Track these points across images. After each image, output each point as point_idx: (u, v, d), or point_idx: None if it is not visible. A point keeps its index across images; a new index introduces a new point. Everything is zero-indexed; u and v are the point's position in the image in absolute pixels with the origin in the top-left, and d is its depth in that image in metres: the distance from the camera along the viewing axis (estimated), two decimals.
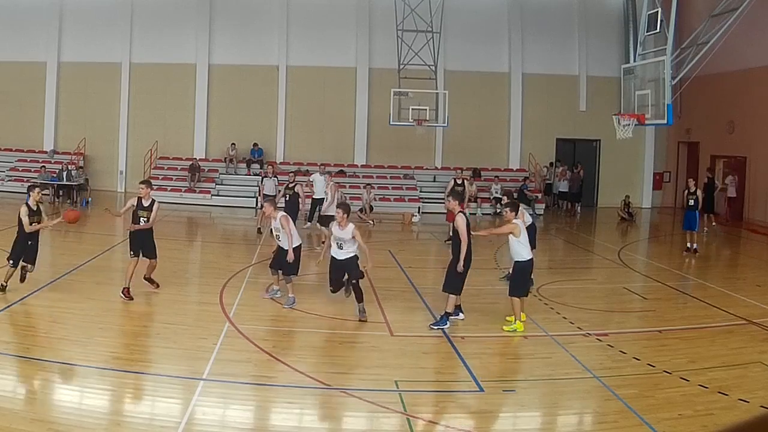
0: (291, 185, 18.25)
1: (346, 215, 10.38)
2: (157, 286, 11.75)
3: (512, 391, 7.89)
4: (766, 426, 1.90)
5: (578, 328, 10.32)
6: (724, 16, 17.26)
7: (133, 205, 11.43)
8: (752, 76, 23.07)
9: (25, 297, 10.77)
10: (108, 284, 12.75)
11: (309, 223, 20.26)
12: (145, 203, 11.42)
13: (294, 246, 10.97)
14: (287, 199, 18.11)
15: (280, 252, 11.17)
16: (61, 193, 24.30)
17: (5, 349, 8.28)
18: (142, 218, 11.36)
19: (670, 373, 8.34)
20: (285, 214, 11.39)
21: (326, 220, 15.92)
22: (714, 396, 7.63)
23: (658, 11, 16.52)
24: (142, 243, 11.39)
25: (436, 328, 10.03)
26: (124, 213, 12.21)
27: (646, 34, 17.26)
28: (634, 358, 8.95)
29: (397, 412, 7.10)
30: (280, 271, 11.28)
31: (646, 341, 9.83)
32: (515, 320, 10.08)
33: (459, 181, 18.06)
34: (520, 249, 10.10)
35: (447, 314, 10.15)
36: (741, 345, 9.71)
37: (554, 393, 8.13)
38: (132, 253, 11.32)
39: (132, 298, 11.04)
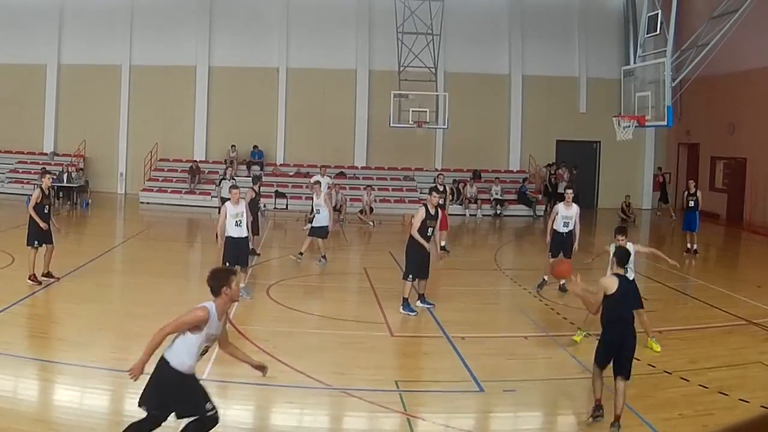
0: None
1: None
2: (57, 279, 11.95)
3: (513, 391, 7.88)
4: (766, 426, 1.91)
5: (578, 328, 10.29)
6: (724, 17, 17.27)
7: (39, 197, 11.74)
8: (752, 77, 23.07)
9: (25, 298, 10.78)
10: (108, 286, 12.79)
11: (309, 225, 20.21)
12: (47, 192, 11.95)
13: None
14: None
15: (239, 244, 11.46)
16: (61, 195, 24.30)
17: (6, 350, 8.27)
18: (46, 206, 11.85)
19: (670, 374, 8.34)
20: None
21: (322, 232, 15.01)
22: (714, 396, 7.64)
23: (658, 13, 16.53)
24: (49, 231, 11.83)
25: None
26: (35, 207, 11.79)
27: (646, 35, 17.27)
28: (635, 358, 8.93)
29: (397, 412, 7.10)
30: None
31: (647, 341, 9.81)
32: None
33: (440, 188, 17.42)
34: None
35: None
36: (741, 345, 9.71)
37: (555, 393, 8.13)
38: (37, 242, 11.69)
39: (41, 283, 11.54)
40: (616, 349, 7.02)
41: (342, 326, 10.25)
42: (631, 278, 8.51)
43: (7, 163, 27.12)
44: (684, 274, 15.90)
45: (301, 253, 15.07)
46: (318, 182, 16.07)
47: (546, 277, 12.64)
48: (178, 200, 25.41)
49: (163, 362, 5.53)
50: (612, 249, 9.03)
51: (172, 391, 5.52)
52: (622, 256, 7.60)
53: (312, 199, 15.88)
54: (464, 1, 27.64)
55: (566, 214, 12.57)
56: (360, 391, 7.62)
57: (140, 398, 5.61)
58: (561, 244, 12.50)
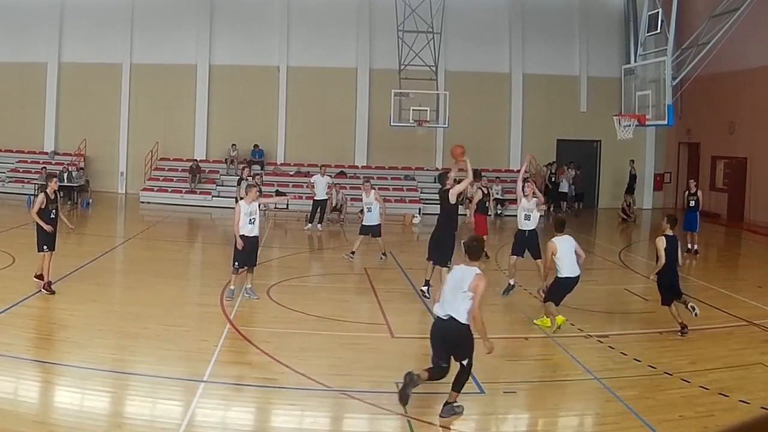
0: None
1: None
2: (53, 293, 11.33)
3: (513, 393, 7.88)
4: (766, 427, 1.90)
5: (579, 329, 10.30)
6: (724, 16, 17.26)
7: (43, 202, 11.45)
8: (753, 76, 23.05)
9: (26, 299, 10.78)
10: (109, 286, 12.80)
11: (309, 225, 20.24)
12: (52, 196, 11.66)
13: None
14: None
15: (251, 243, 11.39)
16: (61, 194, 24.23)
17: (6, 351, 8.28)
18: (53, 211, 11.53)
19: (671, 375, 8.33)
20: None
21: (375, 230, 15.45)
22: (715, 397, 7.63)
23: (658, 12, 16.52)
24: (54, 236, 11.54)
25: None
26: (39, 212, 11.44)
27: (646, 34, 17.26)
28: (635, 359, 8.95)
29: (397, 414, 7.10)
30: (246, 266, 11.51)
31: (647, 342, 9.82)
32: (547, 317, 10.08)
33: (485, 191, 17.22)
34: (559, 265, 9.92)
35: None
36: (742, 346, 9.71)
37: (555, 395, 8.12)
38: (46, 247, 11.35)
39: (53, 292, 11.14)
40: (670, 286, 10.03)
41: (342, 327, 10.24)
42: (577, 275, 9.99)
43: (7, 163, 27.12)
44: (684, 275, 15.86)
45: (353, 252, 15.27)
46: (368, 181, 16.24)
47: (512, 281, 12.36)
48: (178, 200, 25.43)
49: (455, 322, 6.75)
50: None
51: (464, 342, 6.84)
52: (674, 220, 10.43)
53: (362, 198, 16.06)
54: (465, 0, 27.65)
55: (525, 206, 12.29)
56: (360, 393, 7.62)
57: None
58: (523, 242, 12.27)
